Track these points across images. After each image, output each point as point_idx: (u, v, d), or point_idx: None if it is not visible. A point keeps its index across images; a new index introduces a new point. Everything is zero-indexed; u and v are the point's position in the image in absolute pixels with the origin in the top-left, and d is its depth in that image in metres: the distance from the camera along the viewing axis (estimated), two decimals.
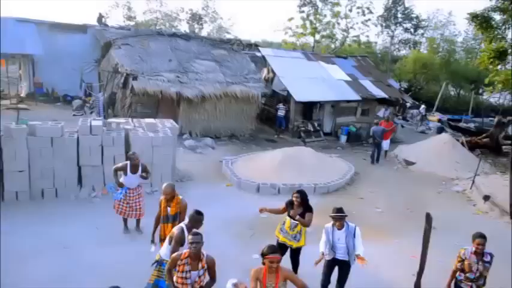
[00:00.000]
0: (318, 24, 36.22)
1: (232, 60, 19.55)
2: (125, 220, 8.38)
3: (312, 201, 7.17)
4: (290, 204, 6.98)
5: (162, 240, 6.71)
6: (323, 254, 6.33)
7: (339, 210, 6.24)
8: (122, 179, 8.17)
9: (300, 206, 6.87)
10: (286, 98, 19.87)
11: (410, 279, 6.91)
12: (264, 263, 4.80)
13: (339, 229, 6.26)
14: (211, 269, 5.04)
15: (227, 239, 8.58)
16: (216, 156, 14.94)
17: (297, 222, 6.82)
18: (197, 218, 5.63)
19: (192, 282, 4.96)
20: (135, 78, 16.13)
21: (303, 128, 19.46)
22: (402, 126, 25.20)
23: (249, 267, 5.22)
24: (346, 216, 6.31)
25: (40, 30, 21.90)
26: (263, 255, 4.81)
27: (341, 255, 6.29)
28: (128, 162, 8.14)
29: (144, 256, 6.66)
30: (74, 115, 17.72)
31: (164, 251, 5.85)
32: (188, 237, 5.04)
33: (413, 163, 16.09)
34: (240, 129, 18.35)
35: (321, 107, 19.94)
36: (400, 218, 10.68)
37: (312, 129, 19.58)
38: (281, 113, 19.38)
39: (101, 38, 20.37)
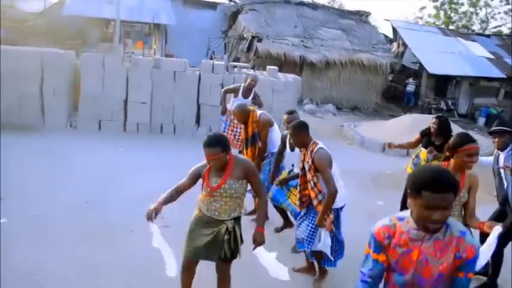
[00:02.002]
0: (453, 14, 33.16)
1: (360, 30, 18.44)
2: None
3: None
4: (426, 135, 5.78)
5: None
6: None
7: (500, 123, 4.76)
8: (229, 104, 7.36)
9: (439, 135, 5.60)
10: (417, 72, 18.20)
11: None
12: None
13: (499, 150, 4.59)
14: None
15: (350, 188, 7.72)
16: (337, 122, 14.03)
17: (434, 155, 5.60)
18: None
19: None
20: (259, 41, 15.88)
21: (434, 106, 17.63)
22: None
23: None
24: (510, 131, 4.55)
25: (174, 5, 22.85)
26: None
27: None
28: (242, 84, 7.38)
29: None
30: None
31: None
32: None
33: None
34: (363, 101, 17.18)
35: (456, 83, 17.92)
36: None
37: (444, 108, 17.65)
38: (410, 88, 17.78)
39: (228, 12, 20.64)
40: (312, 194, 3.99)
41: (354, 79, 16.79)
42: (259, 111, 5.61)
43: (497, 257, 4.23)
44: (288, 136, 4.66)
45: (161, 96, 9.61)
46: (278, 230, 5.38)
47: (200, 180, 3.32)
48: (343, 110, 16.62)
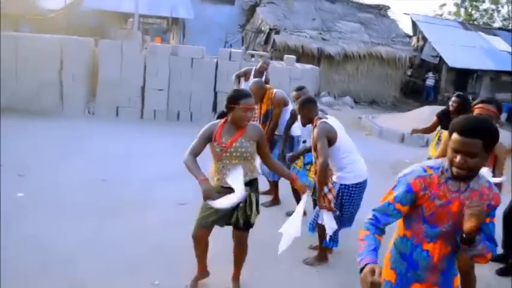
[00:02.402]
0: (473, 11, 32.56)
1: (379, 24, 18.22)
2: None
3: None
4: (444, 115, 5.59)
5: None
6: None
7: None
8: (242, 86, 7.22)
9: (460, 113, 5.41)
10: (437, 66, 17.92)
11: None
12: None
13: None
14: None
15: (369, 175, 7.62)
16: (355, 114, 13.88)
17: None
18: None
19: None
20: (277, 33, 15.82)
21: None
22: None
23: None
24: None
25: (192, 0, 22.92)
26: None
27: None
28: (254, 67, 7.25)
29: None
30: None
31: None
32: None
33: None
34: (381, 95, 16.97)
35: (477, 78, 17.60)
36: None
37: None
38: (430, 82, 17.52)
39: (246, 7, 20.59)
40: (314, 170, 3.92)
41: (372, 72, 16.60)
42: (275, 89, 5.53)
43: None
44: None
45: (178, 83, 9.62)
46: (289, 214, 5.31)
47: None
48: (361, 104, 16.45)
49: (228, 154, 3.12)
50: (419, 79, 18.48)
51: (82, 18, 17.76)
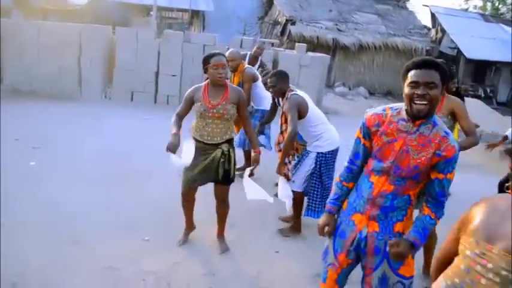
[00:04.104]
0: (500, 5, 31.85)
1: (397, 15, 18.22)
2: None
3: None
4: None
5: None
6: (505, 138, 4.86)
7: None
8: None
9: (454, 94, 5.63)
10: (455, 58, 17.81)
11: None
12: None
13: None
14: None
15: None
16: (368, 104, 13.99)
17: None
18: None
19: None
20: (293, 24, 16.02)
21: (471, 92, 17.23)
22: None
23: None
24: None
25: None
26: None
27: None
28: (248, 52, 7.26)
29: None
30: None
31: None
32: None
33: None
34: (397, 86, 16.92)
35: (496, 70, 17.43)
36: None
37: (482, 95, 17.22)
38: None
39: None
40: (281, 139, 4.18)
41: (388, 63, 16.65)
42: (247, 65, 5.85)
43: None
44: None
45: (191, 69, 9.96)
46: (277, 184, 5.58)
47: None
48: (375, 95, 16.54)
49: (210, 114, 3.48)
50: None
51: (106, 11, 18.31)
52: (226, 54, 5.54)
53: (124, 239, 3.85)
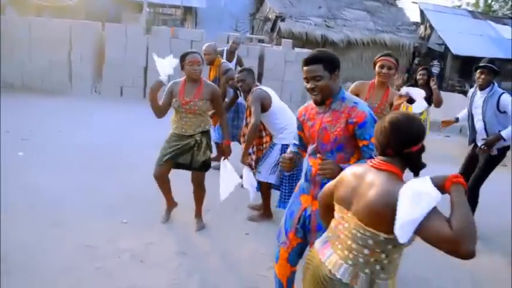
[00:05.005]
0: (493, 2, 32.08)
1: (386, 12, 18.45)
2: None
3: None
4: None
5: None
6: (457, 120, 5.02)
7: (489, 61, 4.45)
8: None
9: (427, 86, 5.88)
10: (442, 54, 18.09)
11: None
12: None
13: (481, 89, 4.47)
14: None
15: None
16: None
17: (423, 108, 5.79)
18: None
19: None
20: (282, 20, 16.26)
21: (458, 88, 17.52)
22: None
23: None
24: (498, 73, 4.41)
25: None
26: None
27: (479, 137, 4.60)
28: (225, 48, 7.49)
29: None
30: None
31: None
32: None
33: None
34: None
35: None
36: None
37: (468, 90, 17.49)
38: (435, 70, 17.64)
39: None
40: (245, 131, 4.45)
41: None
42: (223, 60, 6.10)
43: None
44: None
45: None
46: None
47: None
48: None
49: (184, 110, 3.82)
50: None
51: (99, 7, 18.49)
52: (204, 48, 5.83)
53: (103, 222, 4.13)
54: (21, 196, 4.44)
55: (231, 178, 3.96)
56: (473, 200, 4.46)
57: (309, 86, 2.42)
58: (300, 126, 2.69)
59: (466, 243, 1.44)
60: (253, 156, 4.45)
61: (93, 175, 5.25)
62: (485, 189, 4.65)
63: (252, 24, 21.78)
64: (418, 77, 6.06)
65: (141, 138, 6.92)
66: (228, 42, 10.35)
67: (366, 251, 1.75)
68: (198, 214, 4.28)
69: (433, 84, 5.78)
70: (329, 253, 1.89)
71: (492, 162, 4.50)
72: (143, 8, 18.24)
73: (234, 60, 7.39)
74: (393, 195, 1.64)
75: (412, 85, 5.89)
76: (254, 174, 4.37)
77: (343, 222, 1.88)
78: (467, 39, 17.58)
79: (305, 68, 2.41)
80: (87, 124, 7.53)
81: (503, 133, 4.33)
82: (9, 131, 6.49)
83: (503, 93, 4.44)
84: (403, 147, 1.77)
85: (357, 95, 3.62)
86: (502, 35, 18.88)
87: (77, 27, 9.98)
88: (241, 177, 4.17)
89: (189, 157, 3.91)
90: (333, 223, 1.97)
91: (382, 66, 3.83)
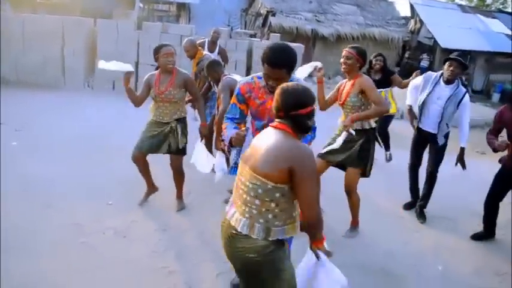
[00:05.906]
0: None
1: (376, 6, 18.74)
2: None
3: None
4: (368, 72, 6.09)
5: None
6: (410, 108, 5.00)
7: (460, 55, 4.54)
8: None
9: (381, 71, 6.22)
10: (431, 48, 18.38)
11: None
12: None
13: (446, 82, 4.50)
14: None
15: None
16: None
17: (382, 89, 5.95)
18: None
19: None
20: (273, 15, 16.53)
21: None
22: None
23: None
24: (467, 68, 4.55)
25: None
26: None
27: (429, 126, 4.73)
28: (206, 39, 7.68)
29: None
30: None
31: None
32: None
33: None
34: None
35: (471, 59, 17.99)
36: None
37: None
38: (424, 63, 17.99)
39: None
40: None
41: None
42: (205, 52, 6.41)
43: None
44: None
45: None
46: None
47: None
48: None
49: (160, 99, 4.14)
50: (416, 61, 18.96)
51: (93, 4, 18.71)
52: (184, 44, 6.13)
53: (90, 203, 4.44)
54: (14, 182, 4.75)
55: (207, 159, 4.29)
56: (432, 182, 4.91)
57: (271, 83, 2.71)
58: (243, 101, 2.95)
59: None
60: (226, 142, 4.73)
61: (82, 162, 5.56)
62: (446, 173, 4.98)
63: (244, 20, 22.03)
64: (373, 62, 6.26)
65: (130, 129, 7.19)
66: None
67: (257, 202, 2.07)
68: (179, 196, 4.61)
69: (414, 76, 5.81)
70: (232, 211, 2.22)
71: (443, 148, 4.79)
72: (140, 4, 18.64)
73: (216, 50, 7.64)
74: (282, 146, 2.03)
75: (368, 70, 6.21)
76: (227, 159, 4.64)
77: (241, 177, 2.19)
78: (456, 32, 17.88)
79: (270, 68, 2.64)
80: (79, 117, 7.82)
81: (462, 144, 4.61)
82: (3, 123, 6.78)
83: (466, 92, 4.50)
84: (291, 109, 2.11)
85: (362, 92, 3.90)
86: (491, 29, 19.19)
87: (69, 23, 10.24)
88: None
89: (166, 143, 4.24)
90: (236, 178, 2.27)
91: (342, 57, 4.07)
